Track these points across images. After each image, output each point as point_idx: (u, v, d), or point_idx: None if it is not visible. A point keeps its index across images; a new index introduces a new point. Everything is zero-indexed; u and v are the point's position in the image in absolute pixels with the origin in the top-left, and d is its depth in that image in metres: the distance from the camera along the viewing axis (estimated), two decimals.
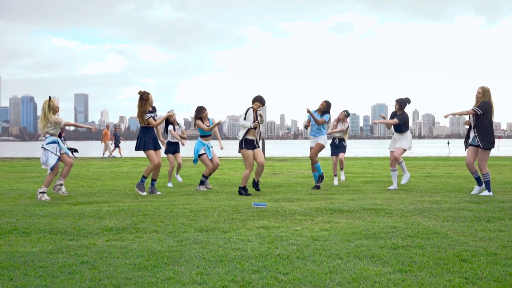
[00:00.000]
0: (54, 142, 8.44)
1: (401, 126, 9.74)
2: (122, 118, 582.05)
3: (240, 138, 8.86)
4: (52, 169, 8.37)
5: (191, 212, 6.53)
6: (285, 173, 14.68)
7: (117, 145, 28.32)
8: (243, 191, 8.68)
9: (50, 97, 8.52)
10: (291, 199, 7.95)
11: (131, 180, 12.50)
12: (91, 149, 56.09)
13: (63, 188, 8.69)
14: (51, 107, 8.42)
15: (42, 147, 8.45)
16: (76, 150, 27.48)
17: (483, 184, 8.61)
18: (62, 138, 27.44)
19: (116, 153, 28.70)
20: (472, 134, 8.52)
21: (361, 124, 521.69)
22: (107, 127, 28.87)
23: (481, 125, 8.35)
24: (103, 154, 27.84)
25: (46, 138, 8.48)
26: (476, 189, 8.68)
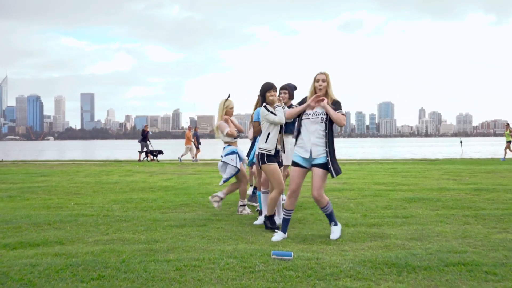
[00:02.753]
0: (233, 152, 7.31)
1: (290, 124, 6.66)
2: (128, 117, 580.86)
3: (265, 147, 6.01)
4: (225, 181, 7.32)
5: (176, 270, 4.17)
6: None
7: (197, 147, 25.01)
8: (269, 223, 6.13)
9: (228, 95, 7.46)
10: (325, 237, 5.56)
11: (116, 194, 10.19)
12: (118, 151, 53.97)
13: (246, 209, 7.59)
14: (226, 107, 7.37)
15: (222, 161, 7.39)
16: (160, 152, 24.87)
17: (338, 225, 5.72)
18: (148, 133, 24.97)
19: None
20: (305, 144, 5.56)
21: (367, 122, 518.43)
22: (189, 128, 25.68)
23: (331, 136, 5.59)
24: (193, 158, 24.75)
25: (224, 148, 7.38)
26: (335, 232, 5.62)
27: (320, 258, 4.50)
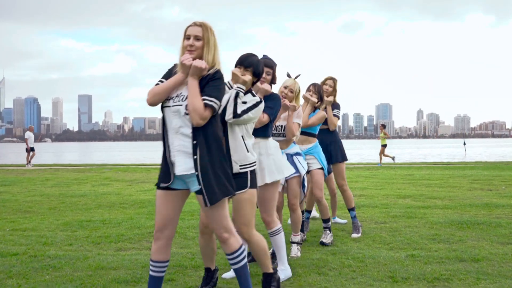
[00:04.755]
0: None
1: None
2: (125, 119, 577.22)
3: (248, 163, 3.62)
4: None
5: None
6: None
7: None
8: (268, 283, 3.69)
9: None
10: None
11: (74, 213, 7.95)
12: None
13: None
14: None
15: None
16: None
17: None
18: None
19: None
20: (170, 151, 3.20)
21: (365, 124, 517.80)
22: None
23: (214, 133, 3.22)
24: None
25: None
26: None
27: None
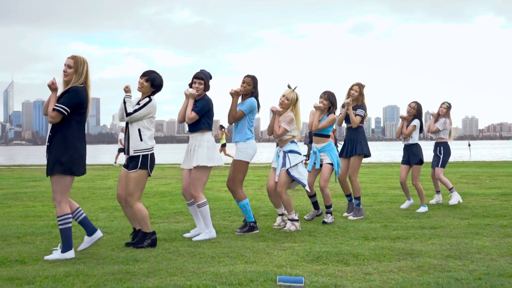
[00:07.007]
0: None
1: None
2: None
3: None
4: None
5: None
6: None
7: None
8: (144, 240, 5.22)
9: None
10: (343, 254, 4.56)
11: (106, 201, 9.28)
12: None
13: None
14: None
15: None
16: None
17: None
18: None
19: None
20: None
21: (373, 126, 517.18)
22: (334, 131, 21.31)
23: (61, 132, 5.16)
24: None
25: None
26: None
27: (339, 285, 3.54)
